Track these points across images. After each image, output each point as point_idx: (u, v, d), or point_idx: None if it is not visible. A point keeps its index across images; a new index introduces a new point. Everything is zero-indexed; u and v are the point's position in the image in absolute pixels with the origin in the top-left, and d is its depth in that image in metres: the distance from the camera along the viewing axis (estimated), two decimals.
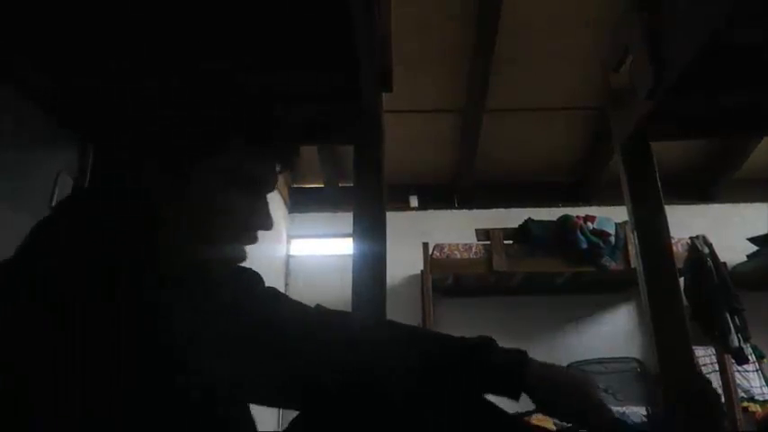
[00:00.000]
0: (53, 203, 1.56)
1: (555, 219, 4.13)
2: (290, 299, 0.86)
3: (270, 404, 0.82)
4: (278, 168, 0.73)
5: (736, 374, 3.84)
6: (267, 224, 0.72)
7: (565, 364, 4.46)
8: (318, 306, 0.87)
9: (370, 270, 1.57)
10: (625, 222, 3.79)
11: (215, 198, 0.66)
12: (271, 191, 0.74)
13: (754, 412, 3.89)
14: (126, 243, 0.61)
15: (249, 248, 0.73)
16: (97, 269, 0.58)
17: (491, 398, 0.77)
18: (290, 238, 5.11)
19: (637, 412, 3.87)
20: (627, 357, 4.49)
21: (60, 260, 0.58)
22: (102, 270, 0.58)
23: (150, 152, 0.65)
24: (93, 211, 0.65)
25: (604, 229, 3.97)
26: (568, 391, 0.77)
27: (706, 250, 3.85)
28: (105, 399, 0.53)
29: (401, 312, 4.45)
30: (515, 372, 0.77)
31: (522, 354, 0.80)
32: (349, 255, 1.69)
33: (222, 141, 0.66)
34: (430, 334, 0.91)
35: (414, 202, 5.10)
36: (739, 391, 3.81)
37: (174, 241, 0.66)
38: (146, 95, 0.69)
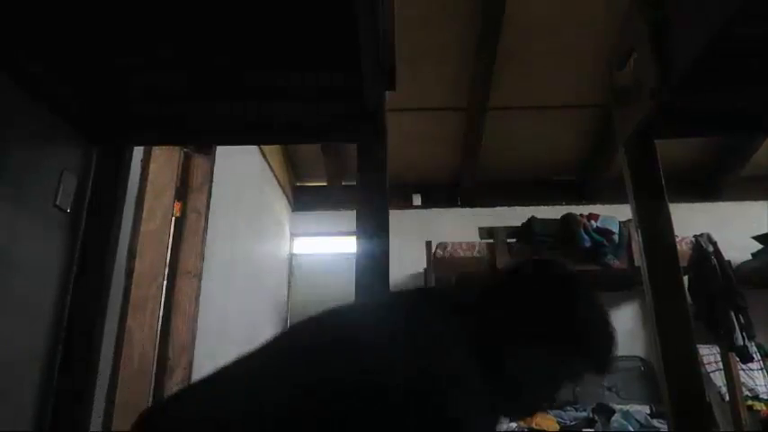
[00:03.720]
0: (57, 202, 1.57)
1: (558, 217, 4.12)
2: None
3: None
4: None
5: (741, 373, 3.82)
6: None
7: None
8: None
9: (373, 268, 1.57)
10: (629, 221, 3.78)
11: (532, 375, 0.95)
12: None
13: (758, 411, 3.87)
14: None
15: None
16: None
17: None
18: (292, 236, 5.11)
19: (641, 411, 3.86)
20: (631, 356, 4.48)
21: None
22: None
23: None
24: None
25: (608, 227, 3.96)
26: None
27: (710, 248, 3.84)
28: None
29: None
30: None
31: None
32: (352, 253, 1.69)
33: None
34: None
35: (417, 200, 5.10)
36: (744, 389, 3.80)
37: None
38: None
